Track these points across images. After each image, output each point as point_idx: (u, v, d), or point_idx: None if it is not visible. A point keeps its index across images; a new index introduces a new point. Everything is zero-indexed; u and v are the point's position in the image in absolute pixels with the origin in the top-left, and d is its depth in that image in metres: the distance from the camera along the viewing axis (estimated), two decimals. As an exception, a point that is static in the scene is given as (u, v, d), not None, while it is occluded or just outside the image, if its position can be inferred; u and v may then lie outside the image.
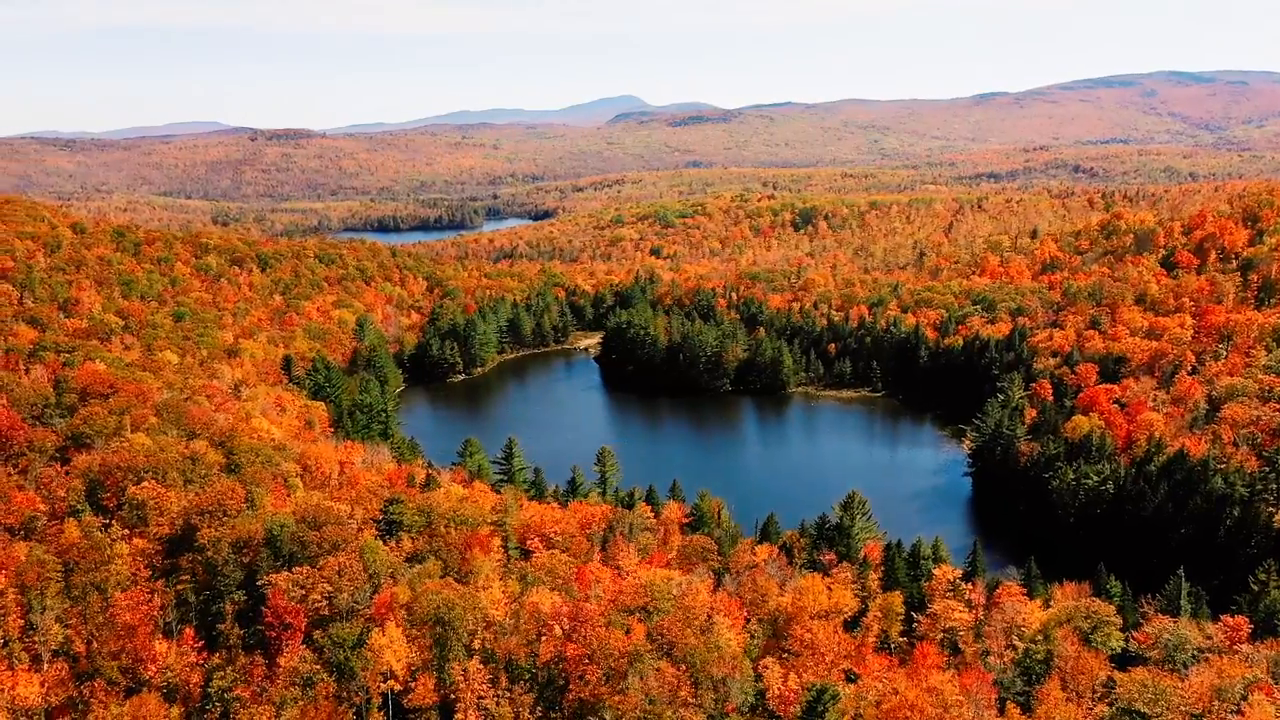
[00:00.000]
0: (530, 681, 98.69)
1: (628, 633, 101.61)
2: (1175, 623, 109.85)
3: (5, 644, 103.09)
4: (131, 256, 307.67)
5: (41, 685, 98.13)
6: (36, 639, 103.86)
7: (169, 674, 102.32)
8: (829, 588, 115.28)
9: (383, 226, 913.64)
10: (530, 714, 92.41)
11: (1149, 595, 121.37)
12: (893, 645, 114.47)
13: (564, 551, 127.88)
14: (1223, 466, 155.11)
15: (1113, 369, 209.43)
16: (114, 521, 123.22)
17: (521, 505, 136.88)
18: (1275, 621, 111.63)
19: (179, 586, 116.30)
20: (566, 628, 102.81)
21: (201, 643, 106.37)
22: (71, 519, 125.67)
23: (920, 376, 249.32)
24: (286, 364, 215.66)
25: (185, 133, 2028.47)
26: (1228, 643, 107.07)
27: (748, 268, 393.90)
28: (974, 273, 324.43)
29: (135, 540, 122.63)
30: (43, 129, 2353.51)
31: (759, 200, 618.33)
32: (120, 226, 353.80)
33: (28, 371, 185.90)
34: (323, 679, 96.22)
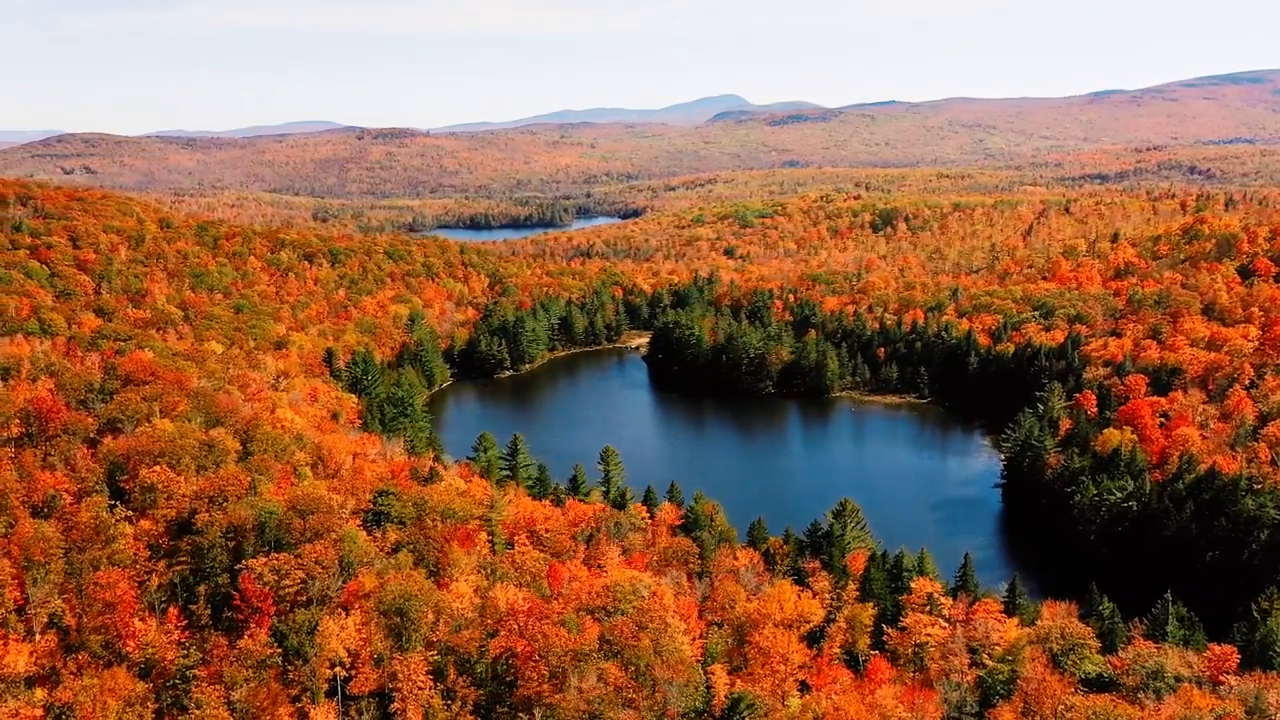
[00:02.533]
0: (480, 676, 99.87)
1: (577, 632, 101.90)
2: (1158, 649, 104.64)
3: (6, 616, 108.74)
4: (210, 251, 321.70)
5: (31, 655, 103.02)
6: (31, 611, 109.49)
7: (148, 650, 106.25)
8: (799, 596, 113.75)
9: (474, 224, 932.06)
10: (463, 708, 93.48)
11: (1141, 618, 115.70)
12: (861, 658, 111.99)
13: (542, 549, 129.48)
14: (1259, 486, 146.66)
15: (1166, 380, 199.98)
16: (118, 503, 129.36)
17: (510, 501, 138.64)
18: (1270, 653, 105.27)
19: (176, 568, 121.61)
20: (521, 624, 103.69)
21: (185, 622, 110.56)
22: (87, 499, 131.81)
23: (969, 383, 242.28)
24: (328, 356, 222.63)
25: (299, 131, 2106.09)
26: (1213, 672, 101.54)
27: (813, 269, 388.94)
28: (1043, 277, 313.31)
29: (142, 522, 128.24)
30: (170, 128, 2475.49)
31: (843, 201, 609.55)
32: (204, 222, 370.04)
33: (83, 359, 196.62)
34: (276, 663, 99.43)
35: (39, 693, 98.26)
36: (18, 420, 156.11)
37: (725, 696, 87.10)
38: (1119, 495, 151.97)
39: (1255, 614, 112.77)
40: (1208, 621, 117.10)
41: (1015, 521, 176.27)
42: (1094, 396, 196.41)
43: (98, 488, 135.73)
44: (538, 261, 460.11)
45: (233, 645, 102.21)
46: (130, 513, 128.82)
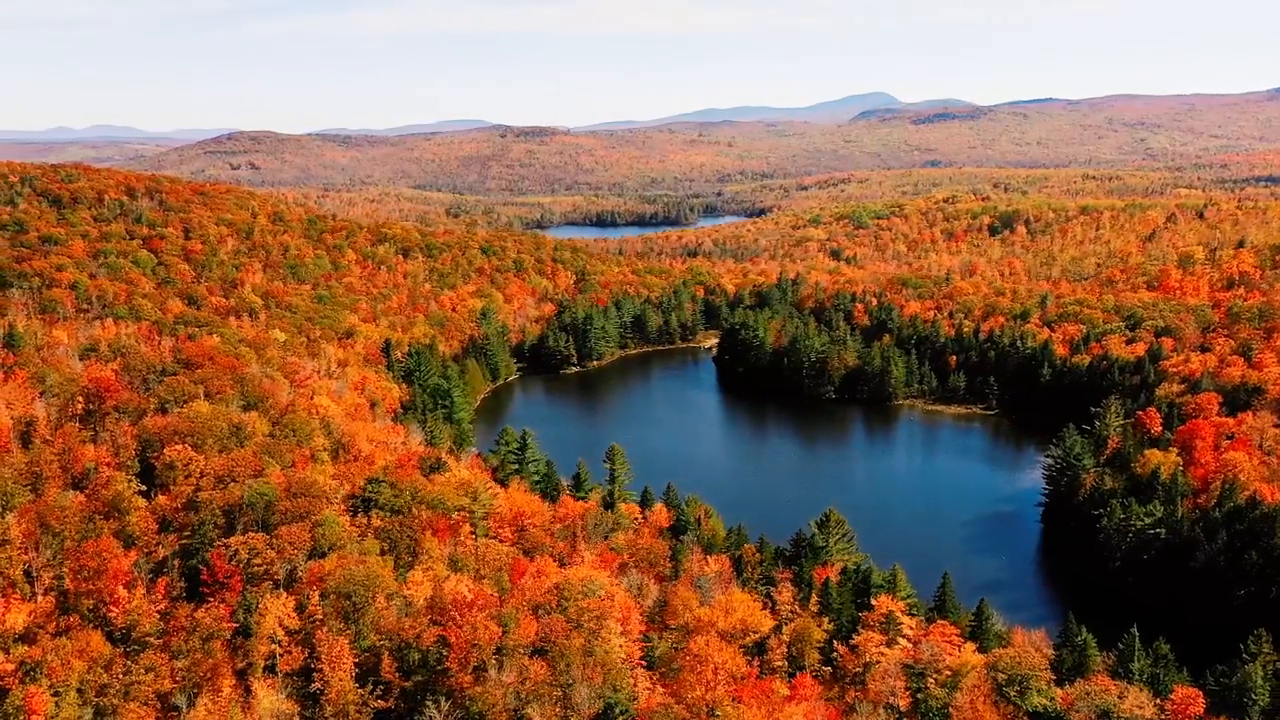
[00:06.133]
0: (412, 663, 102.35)
1: (514, 627, 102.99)
2: (1118, 686, 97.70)
3: (15, 578, 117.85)
4: (313, 243, 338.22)
5: (30, 615, 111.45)
6: (35, 574, 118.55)
7: (131, 617, 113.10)
8: (751, 606, 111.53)
9: (601, 221, 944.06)
10: (374, 691, 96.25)
11: (1109, 652, 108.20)
12: (811, 673, 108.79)
13: (523, 544, 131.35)
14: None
15: (1244, 400, 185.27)
16: (133, 478, 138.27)
17: (497, 495, 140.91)
18: (1246, 700, 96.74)
19: (183, 543, 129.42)
20: (459, 615, 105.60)
21: (174, 593, 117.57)
22: (113, 474, 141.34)
23: (1039, 396, 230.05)
24: (386, 347, 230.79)
25: (449, 130, 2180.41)
26: (1173, 716, 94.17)
27: (914, 272, 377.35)
28: (1149, 287, 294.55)
29: (160, 497, 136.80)
30: (333, 126, 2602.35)
31: (965, 203, 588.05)
32: (313, 215, 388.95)
33: (159, 343, 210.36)
34: (224, 635, 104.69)
35: (22, 649, 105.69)
36: (81, 398, 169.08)
37: (601, 700, 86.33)
38: (1147, 520, 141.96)
39: (1245, 655, 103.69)
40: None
41: (1047, 543, 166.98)
42: (1158, 414, 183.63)
43: (130, 464, 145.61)
44: (640, 259, 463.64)
45: (189, 617, 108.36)
46: (143, 487, 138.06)
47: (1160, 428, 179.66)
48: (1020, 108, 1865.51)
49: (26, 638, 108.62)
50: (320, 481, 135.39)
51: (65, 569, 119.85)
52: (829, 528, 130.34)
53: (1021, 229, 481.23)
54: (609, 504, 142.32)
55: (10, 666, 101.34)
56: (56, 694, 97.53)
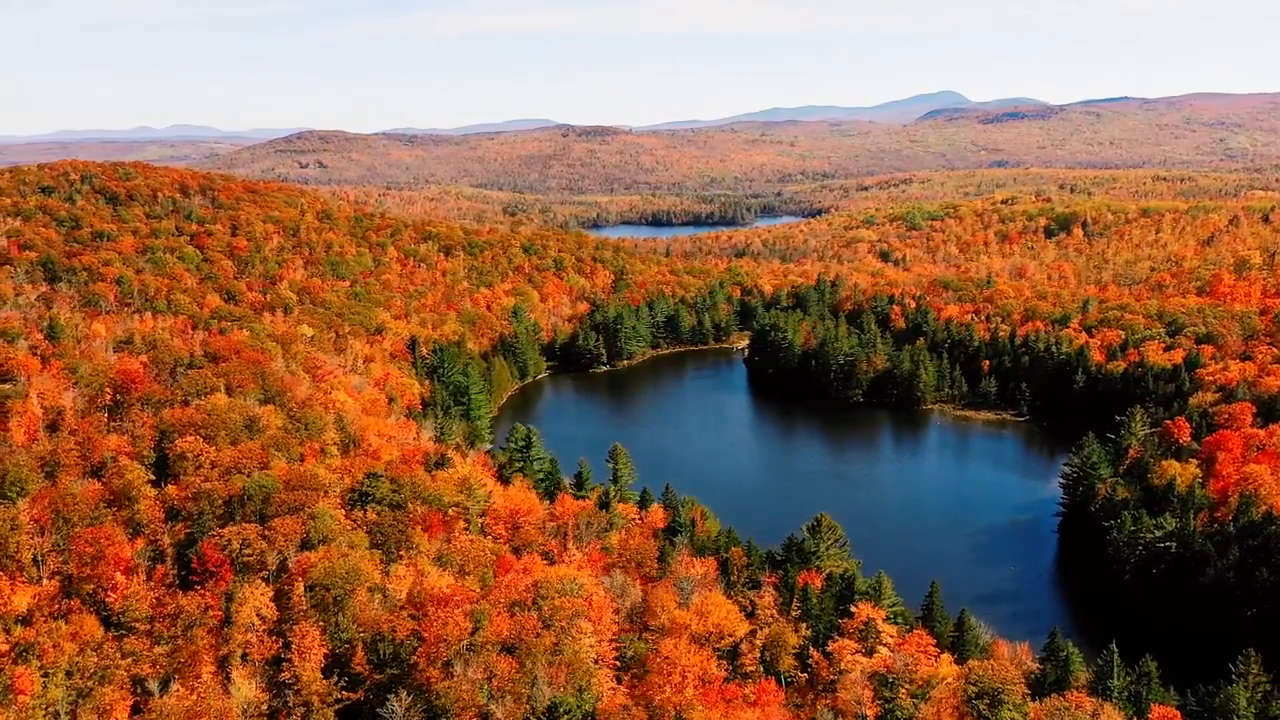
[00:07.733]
0: (383, 657, 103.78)
1: (486, 624, 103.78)
2: (1093, 703, 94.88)
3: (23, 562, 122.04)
4: (357, 241, 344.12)
5: (33, 598, 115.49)
6: (41, 559, 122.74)
7: (127, 603, 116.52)
8: (727, 610, 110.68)
9: (656, 221, 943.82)
10: (339, 682, 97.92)
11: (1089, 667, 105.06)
12: (785, 678, 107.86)
13: (516, 541, 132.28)
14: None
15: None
16: (143, 468, 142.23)
17: (491, 491, 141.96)
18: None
19: (187, 531, 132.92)
20: (433, 611, 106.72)
21: (173, 580, 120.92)
22: (126, 463, 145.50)
23: (1072, 403, 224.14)
24: (412, 344, 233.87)
25: (515, 129, 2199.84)
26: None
27: (962, 275, 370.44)
28: (1199, 292, 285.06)
29: (170, 487, 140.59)
30: (402, 126, 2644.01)
31: (1029, 204, 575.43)
32: (360, 213, 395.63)
33: (192, 336, 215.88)
34: (207, 624, 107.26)
35: (20, 630, 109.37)
36: (109, 389, 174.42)
37: (548, 700, 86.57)
38: (1157, 533, 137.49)
39: (1234, 675, 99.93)
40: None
41: (1061, 554, 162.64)
42: (1187, 424, 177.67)
43: (146, 454, 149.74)
44: (685, 259, 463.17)
45: (175, 604, 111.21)
46: (153, 477, 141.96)
47: (1189, 437, 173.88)
48: (1094, 107, 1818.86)
49: (27, 620, 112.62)
50: (321, 475, 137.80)
51: (70, 554, 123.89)
52: (820, 532, 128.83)
53: (1078, 231, 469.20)
54: (605, 503, 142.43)
55: (6, 647, 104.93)
56: (46, 675, 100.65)
